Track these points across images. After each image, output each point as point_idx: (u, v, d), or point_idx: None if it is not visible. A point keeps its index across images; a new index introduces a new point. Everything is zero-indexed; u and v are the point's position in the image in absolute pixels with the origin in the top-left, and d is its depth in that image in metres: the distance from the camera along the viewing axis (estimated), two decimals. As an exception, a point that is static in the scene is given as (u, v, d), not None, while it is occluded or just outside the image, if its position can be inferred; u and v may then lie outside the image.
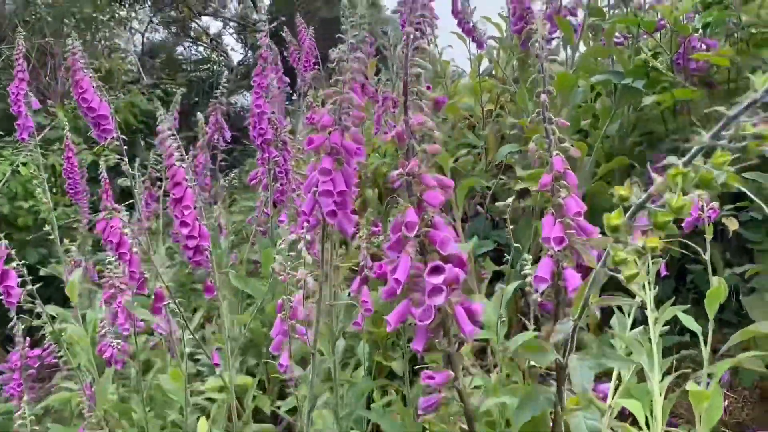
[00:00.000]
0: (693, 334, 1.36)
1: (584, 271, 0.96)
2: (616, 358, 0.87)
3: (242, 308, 2.27)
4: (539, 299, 0.97)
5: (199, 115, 2.94)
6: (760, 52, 1.99)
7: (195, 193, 1.24)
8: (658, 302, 1.41)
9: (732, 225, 1.61)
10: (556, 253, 0.94)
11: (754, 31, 1.96)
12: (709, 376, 1.35)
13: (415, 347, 0.86)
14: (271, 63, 3.38)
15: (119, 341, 1.85)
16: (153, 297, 1.31)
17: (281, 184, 2.08)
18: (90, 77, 1.50)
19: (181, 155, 1.24)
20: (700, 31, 1.84)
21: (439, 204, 0.85)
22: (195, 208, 1.22)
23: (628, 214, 0.56)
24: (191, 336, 1.34)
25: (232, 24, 7.71)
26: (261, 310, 1.98)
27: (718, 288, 1.20)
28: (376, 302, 1.71)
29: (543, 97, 1.01)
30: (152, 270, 1.31)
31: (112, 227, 1.24)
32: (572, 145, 1.06)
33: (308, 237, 1.01)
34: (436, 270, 0.82)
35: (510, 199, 1.25)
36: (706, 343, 1.25)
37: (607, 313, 1.39)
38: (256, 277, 2.42)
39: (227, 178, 2.56)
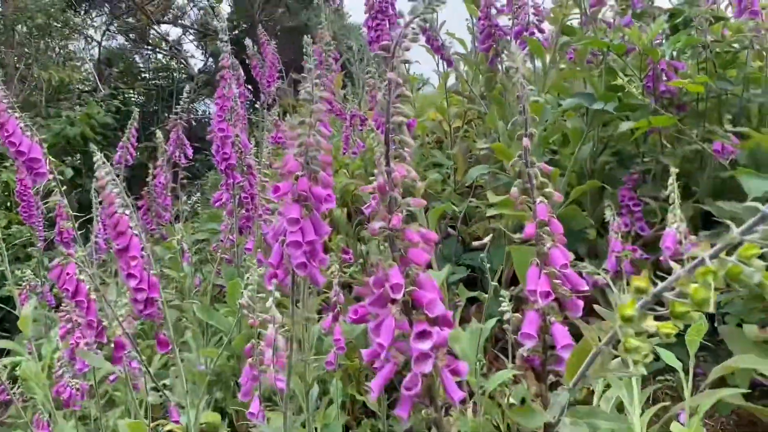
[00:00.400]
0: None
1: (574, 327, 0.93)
2: (609, 418, 0.84)
3: (208, 338, 2.19)
4: (525, 354, 0.93)
5: (158, 133, 2.84)
6: (727, 73, 2.00)
7: (142, 240, 1.16)
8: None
9: (704, 248, 1.60)
10: (542, 307, 0.90)
11: (719, 50, 1.97)
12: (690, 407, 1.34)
13: (400, 413, 0.81)
14: (233, 77, 3.30)
15: (77, 381, 1.75)
16: (113, 346, 1.23)
17: (247, 210, 2.01)
18: (16, 117, 1.39)
19: (124, 201, 1.17)
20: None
21: (425, 262, 0.80)
22: (142, 257, 1.15)
23: (640, 303, 0.52)
24: (153, 385, 1.26)
25: (192, 31, 7.54)
26: (228, 343, 1.91)
27: (698, 325, 1.18)
28: (349, 334, 1.65)
29: (525, 141, 0.98)
30: (110, 316, 1.23)
31: (67, 274, 1.15)
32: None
33: (277, 294, 0.94)
34: (423, 335, 0.77)
35: (487, 239, 1.21)
36: (687, 380, 1.23)
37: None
38: (221, 303, 2.34)
39: (189, 201, 2.47)
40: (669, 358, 1.27)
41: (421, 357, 0.76)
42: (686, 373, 1.29)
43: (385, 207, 0.82)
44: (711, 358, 1.79)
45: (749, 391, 1.46)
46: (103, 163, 1.28)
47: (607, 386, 1.42)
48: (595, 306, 1.33)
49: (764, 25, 1.37)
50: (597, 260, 1.91)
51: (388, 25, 2.48)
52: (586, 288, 0.93)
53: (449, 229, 2.35)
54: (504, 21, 2.49)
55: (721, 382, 1.53)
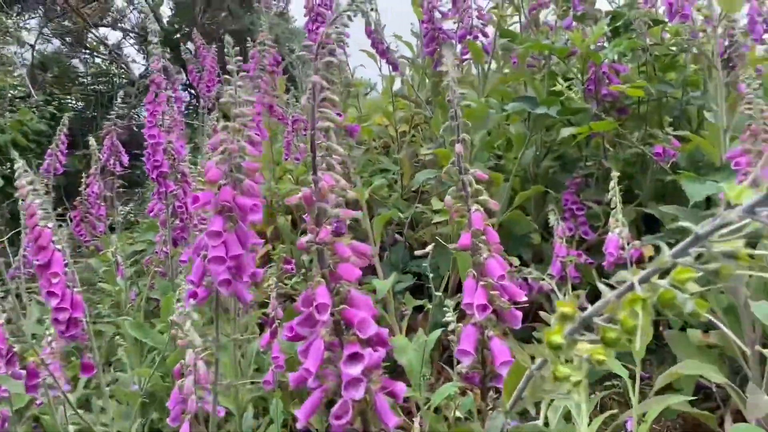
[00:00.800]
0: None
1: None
2: (553, 437, 0.80)
3: (144, 355, 2.08)
4: (464, 371, 0.88)
5: (92, 140, 2.72)
6: (667, 76, 2.01)
7: (65, 255, 1.07)
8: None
9: (648, 252, 1.60)
10: (479, 321, 0.86)
11: (658, 54, 1.98)
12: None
13: (331, 443, 0.75)
14: (170, 82, 3.18)
15: (-3, 407, 1.63)
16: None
17: (181, 220, 1.91)
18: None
19: (47, 213, 1.07)
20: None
21: (356, 279, 0.75)
22: (65, 274, 1.06)
23: (568, 330, 0.47)
24: (74, 412, 1.17)
25: (132, 35, 7.28)
26: (162, 361, 1.81)
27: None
28: (289, 349, 1.58)
29: (458, 147, 0.93)
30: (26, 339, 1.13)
31: (-30, 298, 1.05)
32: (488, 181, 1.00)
33: (195, 316, 0.87)
34: (354, 358, 0.71)
35: (430, 247, 1.16)
36: (634, 388, 1.21)
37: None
38: (157, 319, 2.23)
39: (122, 211, 2.35)
40: (614, 365, 1.24)
41: (352, 382, 0.70)
42: (632, 379, 1.27)
43: (313, 219, 0.77)
44: (656, 361, 1.79)
45: (694, 398, 1.46)
46: (25, 171, 1.18)
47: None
48: (541, 312, 1.31)
49: (700, 27, 1.37)
50: (542, 265, 1.89)
51: (329, 28, 2.41)
52: (525, 299, 0.89)
53: (396, 236, 2.30)
54: (449, 25, 2.46)
55: (667, 386, 1.52)
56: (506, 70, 2.41)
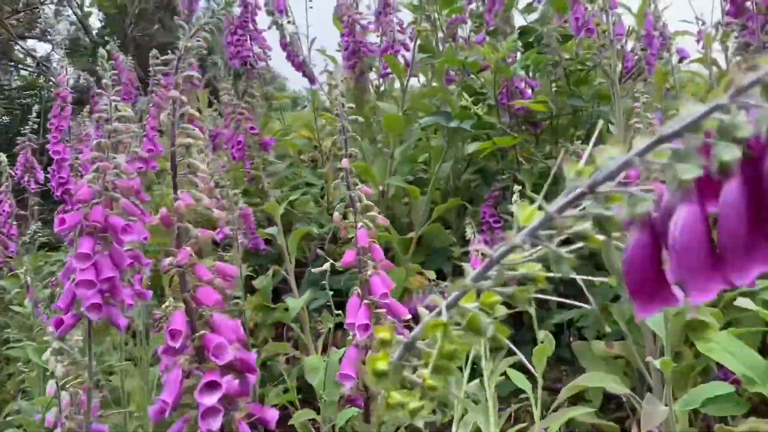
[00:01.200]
0: (530, 375, 1.32)
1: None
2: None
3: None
4: (347, 394, 0.86)
5: (2, 156, 2.59)
6: (580, 90, 2.05)
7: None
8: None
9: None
10: (362, 342, 0.84)
11: (572, 68, 2.02)
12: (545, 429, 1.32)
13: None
14: (90, 96, 3.08)
15: None
16: None
17: (89, 239, 1.83)
18: None
19: None
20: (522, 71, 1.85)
21: (215, 302, 0.71)
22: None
23: (396, 355, 0.45)
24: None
25: (62, 47, 7.02)
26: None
27: (544, 346, 1.16)
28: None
29: (345, 161, 0.91)
30: None
31: None
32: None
33: (56, 345, 0.82)
34: (210, 386, 0.68)
35: (326, 265, 1.14)
36: (536, 402, 1.21)
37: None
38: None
39: (30, 231, 2.25)
40: (518, 380, 1.24)
41: (209, 412, 0.66)
42: (546, 390, 1.27)
43: (172, 240, 0.73)
44: (572, 372, 1.81)
45: (606, 405, 1.47)
46: None
47: (465, 411, 1.38)
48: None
49: (601, 42, 1.40)
50: (462, 278, 1.89)
51: (249, 41, 2.38)
52: (409, 317, 0.87)
53: (318, 251, 2.27)
54: (372, 38, 2.45)
55: (580, 397, 1.53)
56: (435, 84, 2.42)
